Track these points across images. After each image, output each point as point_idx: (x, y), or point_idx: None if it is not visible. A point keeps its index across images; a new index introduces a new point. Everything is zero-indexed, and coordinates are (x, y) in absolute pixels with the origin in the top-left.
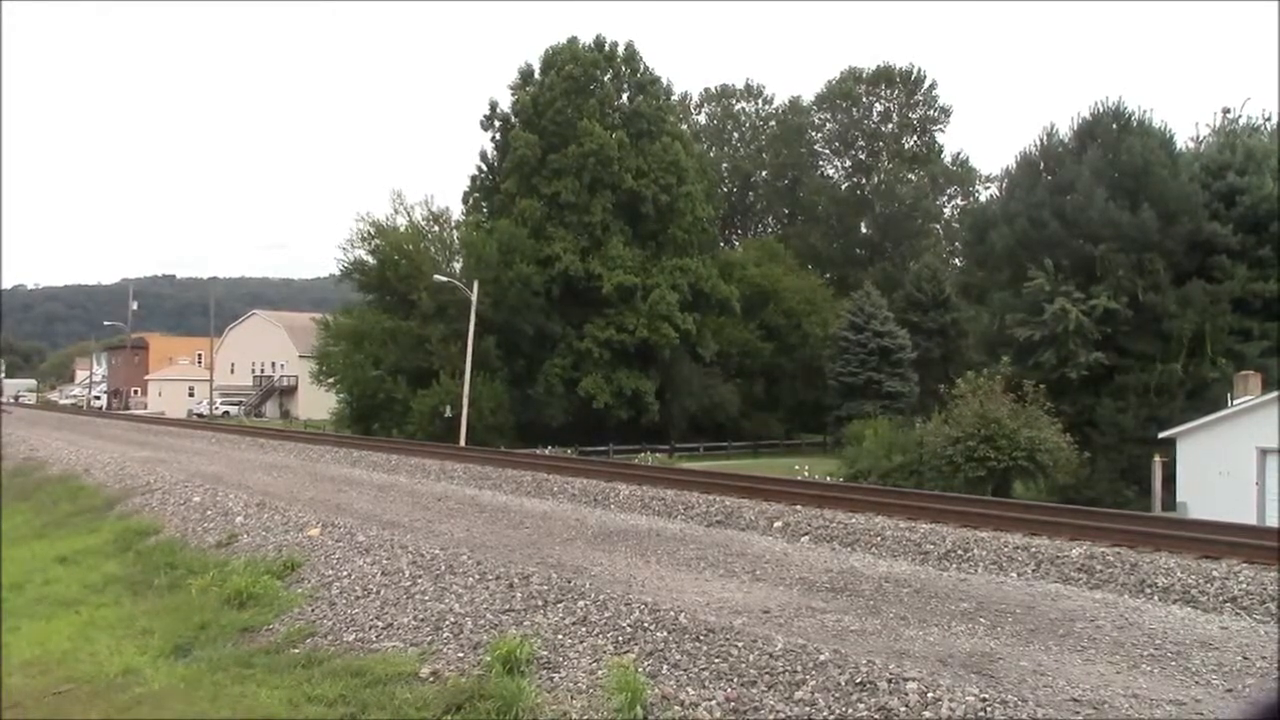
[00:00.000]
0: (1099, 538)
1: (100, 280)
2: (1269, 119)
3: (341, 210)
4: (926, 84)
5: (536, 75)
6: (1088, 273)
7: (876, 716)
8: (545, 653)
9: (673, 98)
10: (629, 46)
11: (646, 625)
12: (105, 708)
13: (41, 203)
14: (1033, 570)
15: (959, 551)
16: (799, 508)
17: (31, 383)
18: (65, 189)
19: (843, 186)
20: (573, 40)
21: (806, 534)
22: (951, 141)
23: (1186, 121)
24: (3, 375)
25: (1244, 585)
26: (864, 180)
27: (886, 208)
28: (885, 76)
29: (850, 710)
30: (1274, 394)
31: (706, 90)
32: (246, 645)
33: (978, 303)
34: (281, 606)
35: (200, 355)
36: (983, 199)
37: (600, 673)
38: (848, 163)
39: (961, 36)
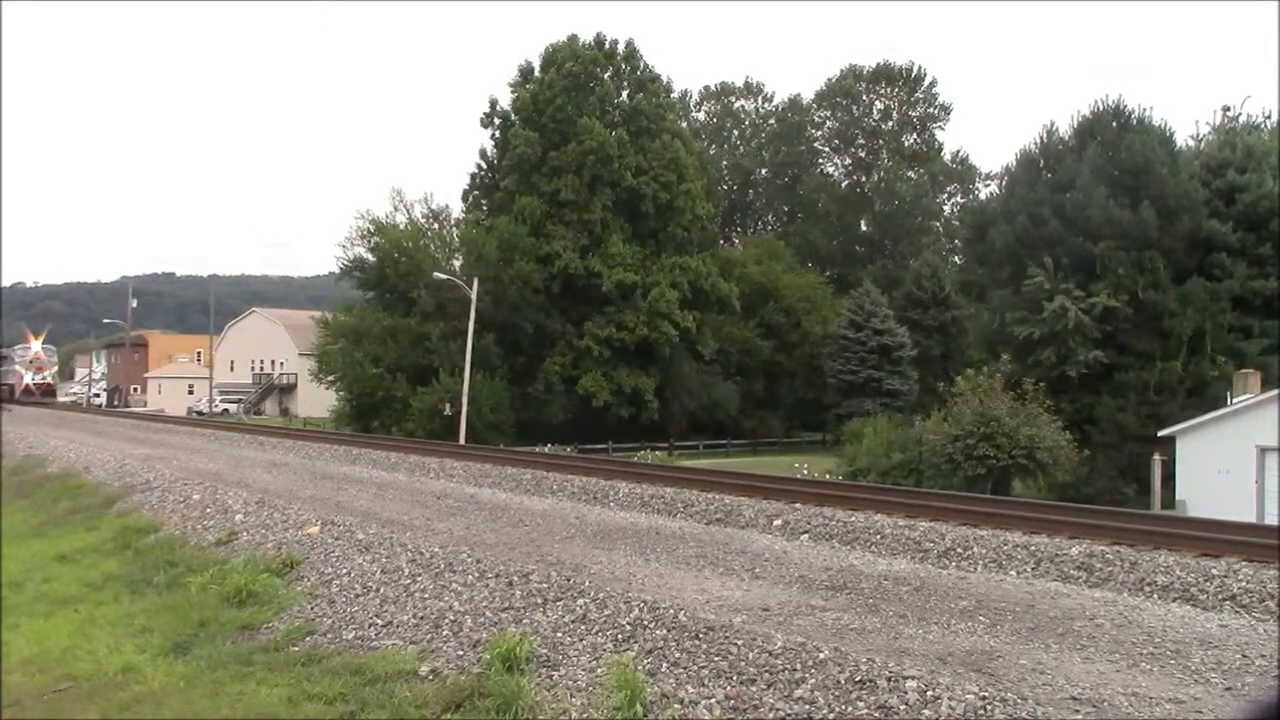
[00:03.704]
0: (1098, 536)
1: (100, 278)
2: (1269, 117)
3: (341, 208)
4: (926, 82)
5: (536, 73)
6: (1088, 270)
7: (876, 714)
8: (545, 651)
9: (672, 95)
10: (629, 44)
11: (646, 623)
12: (104, 706)
13: (41, 201)
14: (1032, 568)
15: (958, 549)
16: (798, 506)
17: None
18: (65, 187)
19: (843, 184)
20: (573, 38)
21: (806, 532)
22: (951, 139)
23: (1186, 119)
24: (55, 366)
25: (1243, 583)
26: (864, 178)
27: (886, 205)
28: (885, 74)
29: (850, 708)
30: (1274, 392)
31: (706, 88)
32: (246, 643)
33: (977, 300)
34: (281, 604)
35: (200, 353)
36: (983, 197)
37: (600, 671)
38: (848, 160)
39: (962, 35)
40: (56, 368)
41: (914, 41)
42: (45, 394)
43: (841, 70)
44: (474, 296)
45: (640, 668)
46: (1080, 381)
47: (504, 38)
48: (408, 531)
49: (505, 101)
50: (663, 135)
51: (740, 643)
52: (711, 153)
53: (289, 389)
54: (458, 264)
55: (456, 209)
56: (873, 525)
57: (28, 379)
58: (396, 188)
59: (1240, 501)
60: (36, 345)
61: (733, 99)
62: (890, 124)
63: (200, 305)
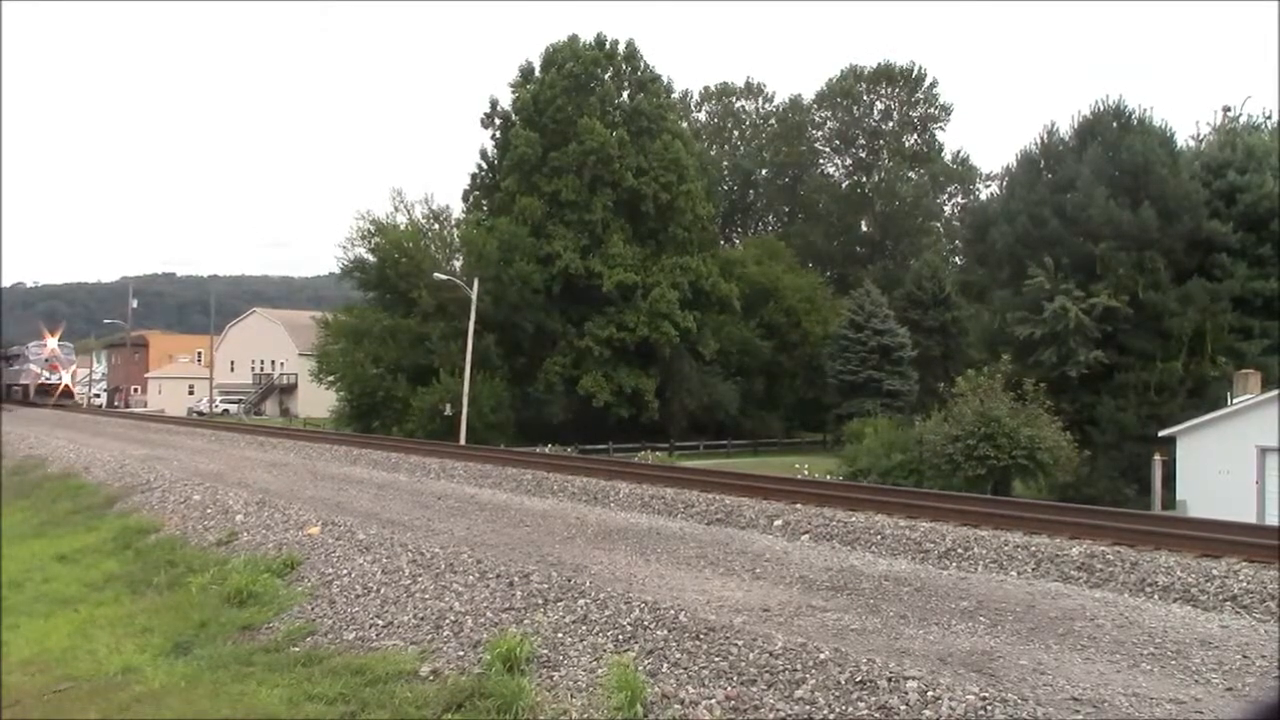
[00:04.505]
0: (1099, 536)
1: (100, 278)
2: (1269, 117)
3: (341, 208)
4: (927, 82)
5: (537, 73)
6: (1088, 271)
7: (877, 715)
8: (545, 651)
9: (673, 96)
10: (629, 44)
11: (646, 624)
12: (105, 706)
13: (41, 201)
14: (1033, 569)
15: (959, 550)
16: (799, 506)
17: None
18: (65, 188)
19: (843, 185)
20: (573, 38)
21: (806, 532)
22: (952, 140)
23: (1187, 120)
24: (74, 365)
25: (1244, 584)
26: (864, 178)
27: (887, 206)
28: (886, 74)
29: (850, 709)
30: (1274, 392)
31: (707, 88)
32: (246, 643)
33: (978, 301)
34: (281, 605)
35: (200, 353)
36: (983, 197)
37: (600, 671)
38: (848, 161)
39: (962, 35)
40: (75, 366)
41: (914, 42)
42: (62, 395)
43: (842, 71)
44: (474, 297)
45: (641, 668)
46: (1081, 382)
47: (504, 38)
48: (408, 532)
49: (506, 102)
50: (663, 136)
51: (741, 643)
52: (712, 153)
53: (289, 389)
54: (458, 264)
55: (457, 209)
56: (873, 526)
57: (43, 379)
58: (397, 188)
59: (1240, 501)
60: (52, 343)
61: (733, 99)
62: (891, 124)
63: (200, 305)
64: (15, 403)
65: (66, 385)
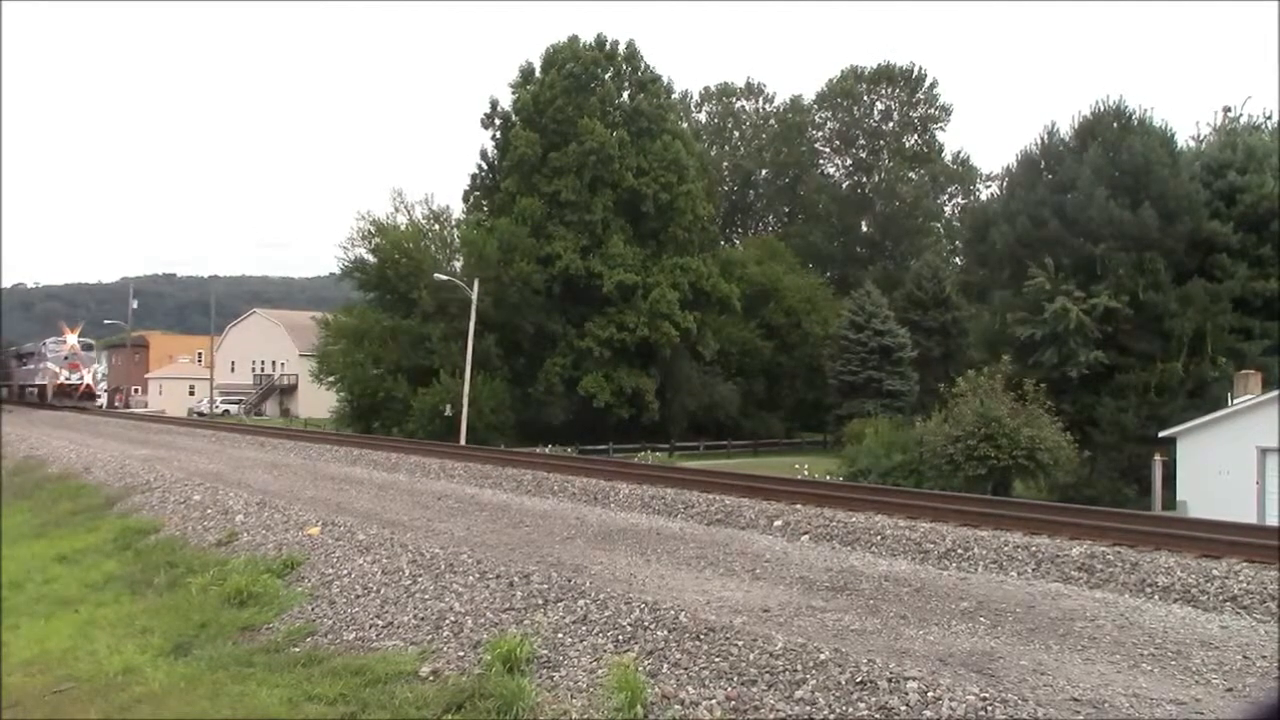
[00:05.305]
0: (1099, 537)
1: (100, 279)
2: (1270, 117)
3: (342, 209)
4: (927, 82)
5: (537, 73)
6: (1088, 271)
7: (877, 715)
8: (545, 651)
9: (673, 96)
10: (630, 45)
11: (647, 624)
12: (105, 706)
13: (41, 202)
14: (1033, 569)
15: (959, 550)
16: (799, 506)
17: None
18: (65, 188)
19: (843, 185)
20: (573, 39)
21: (806, 533)
22: (952, 140)
23: (1187, 120)
24: (95, 364)
25: (1244, 584)
26: (865, 179)
27: (887, 206)
28: (886, 75)
29: (850, 709)
30: (1274, 393)
31: (707, 89)
32: (246, 644)
33: (978, 301)
34: (282, 605)
35: (200, 354)
36: (983, 197)
37: (600, 672)
38: (848, 161)
39: (962, 36)
40: (97, 365)
41: (914, 42)
42: (84, 397)
43: (842, 71)
44: (474, 297)
45: (641, 669)
46: (1081, 382)
47: (504, 38)
48: (408, 532)
49: (506, 102)
50: (663, 136)
51: (741, 644)
52: (712, 153)
53: (290, 390)
54: (458, 265)
55: (457, 210)
56: (873, 526)
57: (63, 379)
58: (397, 188)
59: (1241, 502)
60: (72, 339)
61: (733, 99)
62: (891, 125)
63: (201, 306)
64: (32, 404)
65: (88, 385)
